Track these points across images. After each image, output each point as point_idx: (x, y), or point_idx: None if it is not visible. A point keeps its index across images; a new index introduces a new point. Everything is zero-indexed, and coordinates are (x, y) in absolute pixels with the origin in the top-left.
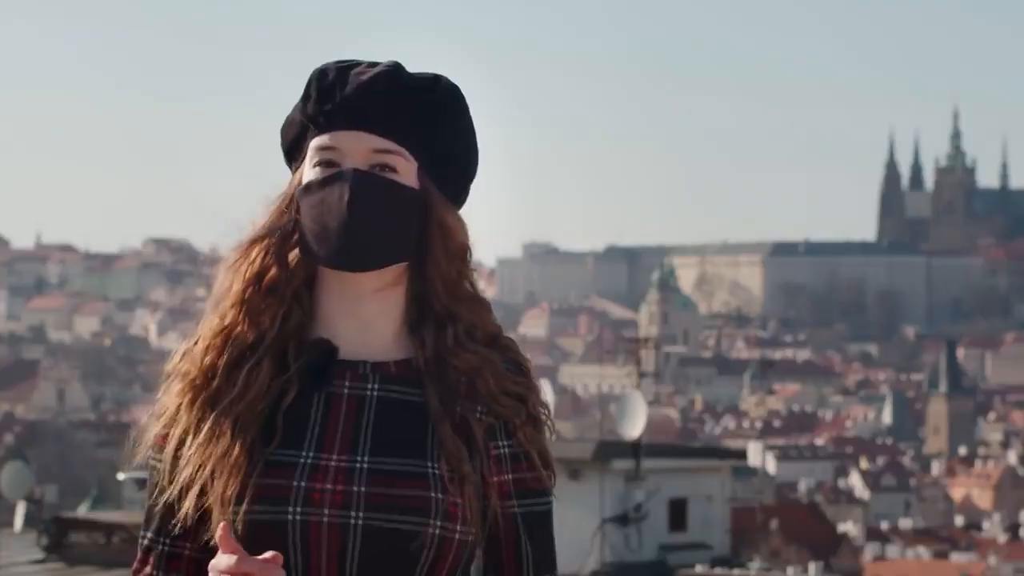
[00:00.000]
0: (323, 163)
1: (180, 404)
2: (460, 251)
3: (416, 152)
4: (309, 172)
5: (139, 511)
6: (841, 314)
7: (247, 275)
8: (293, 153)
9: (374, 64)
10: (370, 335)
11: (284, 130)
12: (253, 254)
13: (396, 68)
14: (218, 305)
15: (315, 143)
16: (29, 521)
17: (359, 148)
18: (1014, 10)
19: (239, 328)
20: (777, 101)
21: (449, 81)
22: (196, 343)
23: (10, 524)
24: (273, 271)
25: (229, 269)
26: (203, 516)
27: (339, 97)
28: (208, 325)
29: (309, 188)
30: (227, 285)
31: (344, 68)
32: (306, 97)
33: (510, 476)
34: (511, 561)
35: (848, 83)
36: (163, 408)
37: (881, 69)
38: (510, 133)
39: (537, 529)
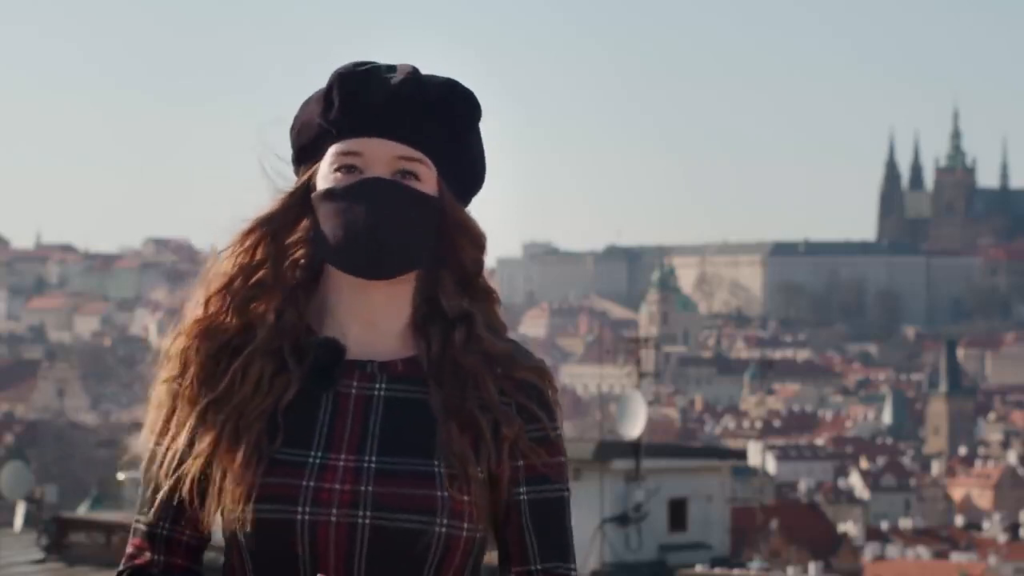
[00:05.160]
0: (344, 168)
1: (171, 396)
2: (480, 241)
3: (436, 159)
4: (329, 177)
5: None
6: (841, 314)
7: (238, 263)
8: (306, 154)
9: (392, 68)
10: (378, 334)
11: (298, 132)
12: (247, 243)
13: (417, 74)
14: (206, 289)
15: (336, 148)
16: (29, 521)
17: (384, 155)
18: (1014, 10)
19: (224, 318)
20: (777, 101)
21: (464, 87)
22: (180, 333)
23: (10, 524)
24: (265, 268)
25: (222, 255)
26: (202, 504)
27: (365, 104)
28: (193, 313)
29: (332, 194)
30: (217, 270)
31: (365, 73)
32: (328, 102)
33: (521, 463)
34: (516, 548)
35: (848, 82)
36: (157, 399)
37: (881, 69)
38: (510, 133)
39: (546, 516)
